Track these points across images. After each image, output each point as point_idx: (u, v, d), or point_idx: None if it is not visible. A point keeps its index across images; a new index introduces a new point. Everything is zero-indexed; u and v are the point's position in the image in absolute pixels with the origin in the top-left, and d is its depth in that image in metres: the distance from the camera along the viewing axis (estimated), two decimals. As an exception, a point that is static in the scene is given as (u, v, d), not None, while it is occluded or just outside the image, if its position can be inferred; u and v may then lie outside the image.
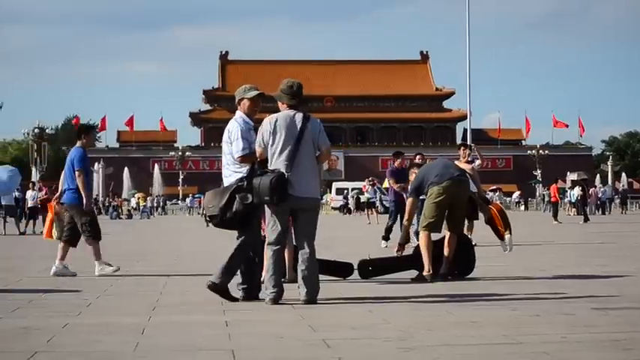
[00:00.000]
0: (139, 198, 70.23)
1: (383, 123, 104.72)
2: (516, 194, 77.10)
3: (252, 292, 8.36)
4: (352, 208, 58.94)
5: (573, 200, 46.45)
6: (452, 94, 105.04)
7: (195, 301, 8.32)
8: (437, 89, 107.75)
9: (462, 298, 8.51)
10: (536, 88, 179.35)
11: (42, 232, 12.04)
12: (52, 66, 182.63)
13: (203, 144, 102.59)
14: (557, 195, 36.90)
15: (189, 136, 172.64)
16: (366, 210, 41.81)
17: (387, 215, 18.88)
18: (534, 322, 6.80)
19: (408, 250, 11.26)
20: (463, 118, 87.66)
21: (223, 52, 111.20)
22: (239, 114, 8.57)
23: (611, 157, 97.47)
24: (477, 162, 17.42)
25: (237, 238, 8.34)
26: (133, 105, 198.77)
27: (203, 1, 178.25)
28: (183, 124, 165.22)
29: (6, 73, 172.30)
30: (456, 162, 13.94)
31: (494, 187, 61.61)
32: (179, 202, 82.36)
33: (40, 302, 8.68)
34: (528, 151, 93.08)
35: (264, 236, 8.45)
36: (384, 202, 40.80)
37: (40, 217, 30.71)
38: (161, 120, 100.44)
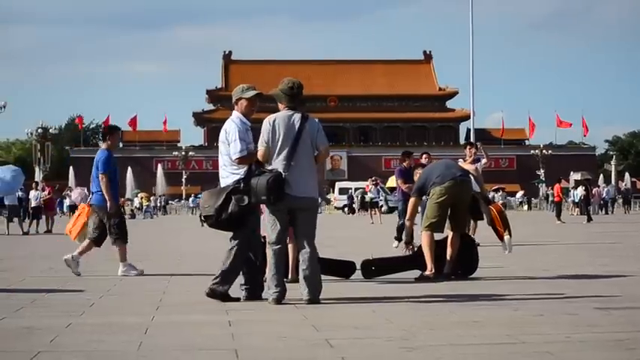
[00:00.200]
0: (142, 198, 70.24)
1: (386, 123, 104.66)
2: (520, 194, 77.09)
3: (254, 292, 8.36)
4: (357, 208, 58.91)
5: (576, 200, 46.42)
6: (455, 93, 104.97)
7: (199, 300, 8.32)
8: (440, 89, 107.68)
9: (464, 297, 8.51)
10: (540, 88, 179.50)
11: (69, 233, 12.05)
12: (55, 66, 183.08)
13: (206, 144, 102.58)
14: (560, 195, 36.90)
15: (193, 136, 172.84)
16: (369, 210, 41.82)
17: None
18: (537, 322, 6.79)
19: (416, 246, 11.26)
20: (466, 117, 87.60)
21: (226, 52, 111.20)
22: (236, 114, 8.53)
23: (614, 156, 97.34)
24: (483, 160, 17.42)
25: (231, 240, 8.35)
26: (136, 105, 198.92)
27: (205, 1, 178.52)
28: (187, 124, 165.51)
29: (10, 73, 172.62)
30: (461, 161, 13.96)
31: (498, 187, 61.58)
32: (182, 201, 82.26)
33: (43, 302, 8.69)
34: (532, 151, 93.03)
35: (264, 237, 8.47)
36: (389, 202, 40.89)
37: (44, 217, 30.76)
38: (164, 121, 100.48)
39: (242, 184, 8.18)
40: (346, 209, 66.60)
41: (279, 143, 8.15)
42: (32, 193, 31.02)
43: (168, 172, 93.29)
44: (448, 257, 10.48)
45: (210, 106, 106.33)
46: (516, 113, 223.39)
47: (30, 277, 11.50)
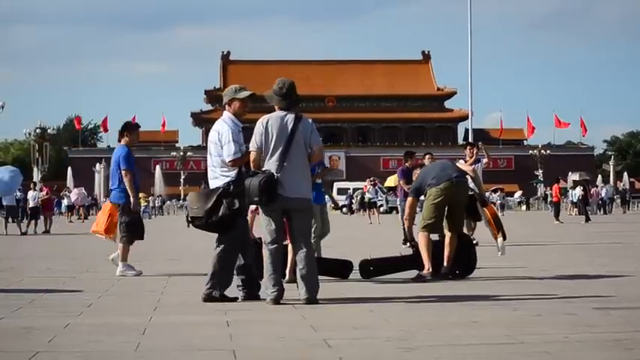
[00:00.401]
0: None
1: (384, 123, 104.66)
2: (518, 194, 77.08)
3: (252, 292, 8.36)
4: (356, 208, 58.89)
5: (575, 200, 46.43)
6: (453, 93, 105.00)
7: (197, 301, 8.32)
8: (438, 89, 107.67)
9: (463, 298, 8.50)
10: (538, 88, 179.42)
11: (97, 232, 11.96)
12: (53, 66, 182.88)
13: (204, 144, 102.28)
14: (558, 195, 36.89)
15: (191, 137, 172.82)
16: (367, 210, 41.83)
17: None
18: (536, 322, 6.79)
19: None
20: (465, 118, 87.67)
21: (225, 52, 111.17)
22: (227, 115, 8.49)
23: (612, 156, 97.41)
24: (484, 160, 17.39)
25: (217, 242, 8.35)
26: (135, 105, 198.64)
27: (205, 1, 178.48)
28: (185, 125, 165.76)
29: (8, 73, 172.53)
30: (461, 162, 13.93)
31: (496, 188, 61.60)
32: (180, 201, 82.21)
33: (42, 302, 8.68)
34: (530, 151, 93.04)
35: (258, 239, 8.51)
36: (389, 202, 40.84)
37: (42, 218, 30.74)
38: (162, 122, 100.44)
39: (232, 187, 8.18)
40: (345, 209, 66.55)
41: (272, 144, 8.13)
42: (30, 194, 30.99)
43: (167, 173, 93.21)
44: (446, 257, 10.49)
45: (209, 107, 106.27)
46: (515, 113, 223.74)
47: (28, 278, 11.49)
